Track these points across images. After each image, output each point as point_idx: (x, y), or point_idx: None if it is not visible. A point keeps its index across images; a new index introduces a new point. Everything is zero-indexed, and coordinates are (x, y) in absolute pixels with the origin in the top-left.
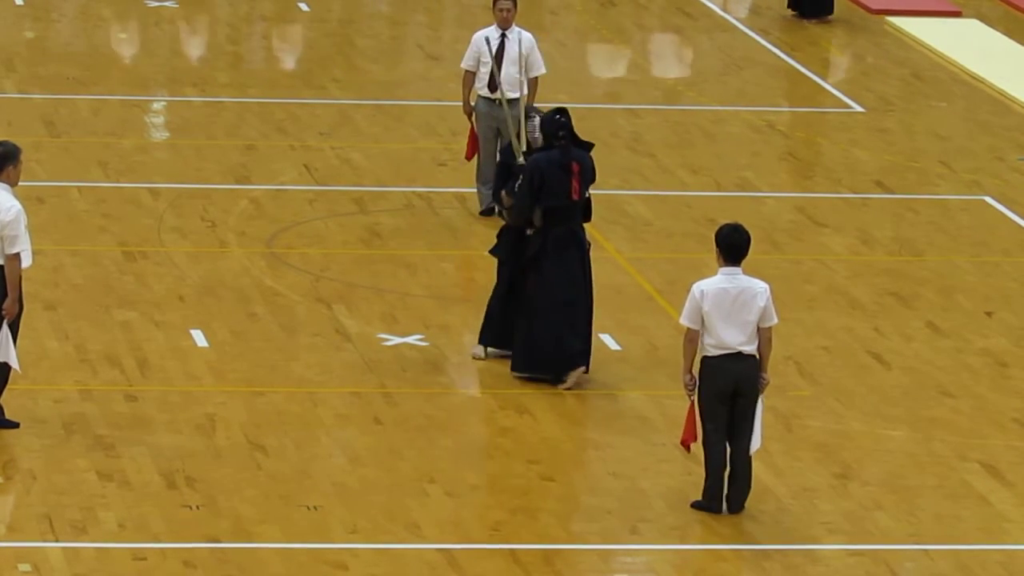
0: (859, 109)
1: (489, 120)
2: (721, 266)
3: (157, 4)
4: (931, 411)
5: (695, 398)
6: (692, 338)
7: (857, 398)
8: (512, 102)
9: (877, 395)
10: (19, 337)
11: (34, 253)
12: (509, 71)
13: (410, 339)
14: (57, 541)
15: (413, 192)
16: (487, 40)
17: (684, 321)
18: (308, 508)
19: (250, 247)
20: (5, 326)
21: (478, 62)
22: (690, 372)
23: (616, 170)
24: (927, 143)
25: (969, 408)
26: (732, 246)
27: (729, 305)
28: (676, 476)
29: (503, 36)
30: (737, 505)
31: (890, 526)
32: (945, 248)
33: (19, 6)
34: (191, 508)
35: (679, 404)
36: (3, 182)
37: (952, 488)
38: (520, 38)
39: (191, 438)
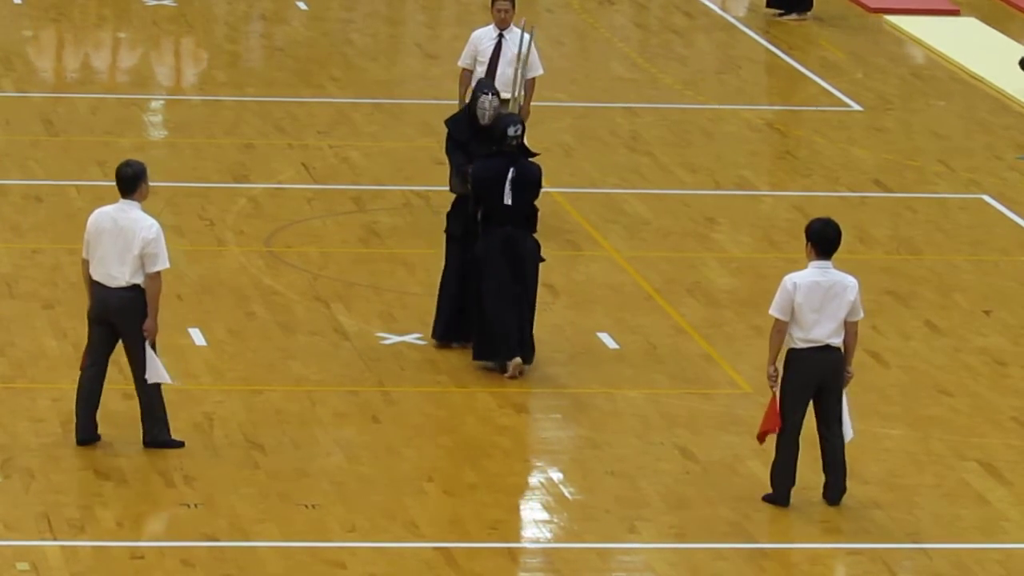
0: (857, 108)
1: None
2: (812, 260)
3: (155, 3)
4: (929, 410)
5: (777, 390)
6: (780, 329)
7: (855, 397)
8: (505, 101)
9: (875, 394)
10: (20, 336)
11: (32, 252)
12: (506, 72)
13: (408, 338)
14: (55, 540)
15: (411, 191)
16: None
17: (774, 312)
18: (306, 507)
19: (248, 246)
20: (149, 347)
21: (475, 61)
22: (774, 364)
23: (614, 169)
24: (925, 142)
25: (967, 407)
26: (824, 240)
27: (821, 298)
28: (674, 475)
29: (500, 36)
30: (836, 495)
31: (888, 525)
32: (943, 247)
33: (17, 5)
34: (189, 507)
35: (677, 403)
36: (136, 200)
37: (950, 487)
38: (518, 38)
39: (189, 437)
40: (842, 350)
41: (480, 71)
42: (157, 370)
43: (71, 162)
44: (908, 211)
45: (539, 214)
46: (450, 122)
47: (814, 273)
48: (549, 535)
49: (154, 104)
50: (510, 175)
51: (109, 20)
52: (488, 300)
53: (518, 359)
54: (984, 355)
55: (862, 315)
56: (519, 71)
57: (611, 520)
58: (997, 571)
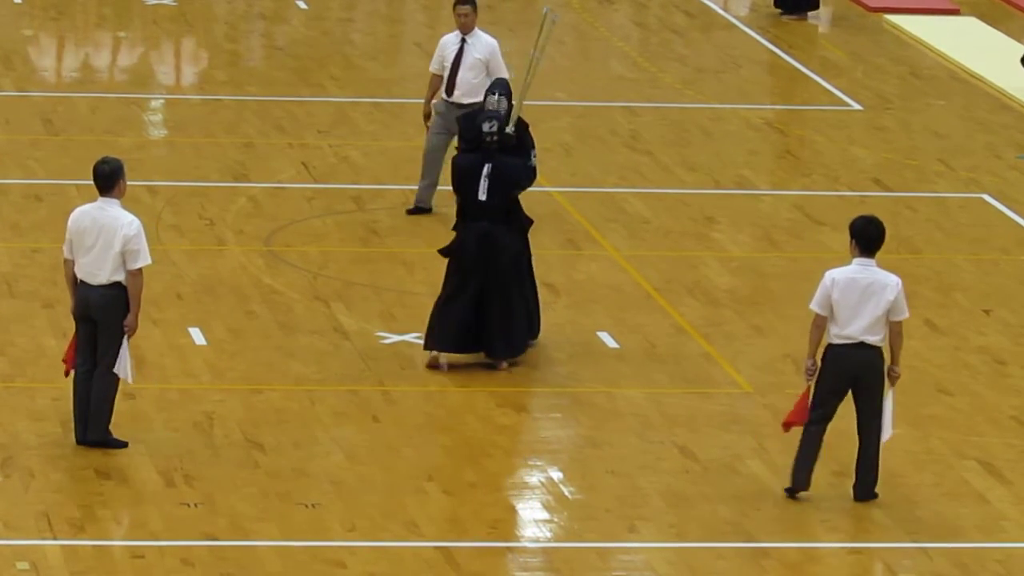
0: (857, 107)
1: (445, 121)
2: (855, 256)
3: (155, 2)
4: (929, 409)
5: (812, 383)
6: (819, 324)
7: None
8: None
9: None
10: (20, 335)
11: (32, 251)
12: (466, 76)
13: (408, 337)
14: (55, 539)
15: (411, 190)
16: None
17: (813, 307)
18: (306, 506)
19: (248, 245)
20: (126, 342)
21: (442, 66)
22: (813, 357)
23: (614, 168)
24: (925, 141)
25: (967, 406)
26: (866, 238)
27: (858, 295)
28: (674, 474)
29: (463, 41)
30: (866, 493)
31: (888, 524)
32: (943, 246)
33: (17, 4)
34: (189, 506)
35: (677, 402)
36: (114, 197)
37: (950, 486)
38: (480, 43)
39: (189, 436)
40: (880, 348)
41: (447, 76)
42: (124, 366)
43: (71, 161)
44: (908, 210)
45: (522, 208)
46: (462, 118)
47: (854, 270)
48: (549, 534)
49: (154, 103)
50: (485, 171)
51: (109, 20)
52: (444, 292)
53: (438, 354)
54: (984, 354)
55: (906, 315)
56: (534, 58)
57: (611, 519)
58: (997, 571)
